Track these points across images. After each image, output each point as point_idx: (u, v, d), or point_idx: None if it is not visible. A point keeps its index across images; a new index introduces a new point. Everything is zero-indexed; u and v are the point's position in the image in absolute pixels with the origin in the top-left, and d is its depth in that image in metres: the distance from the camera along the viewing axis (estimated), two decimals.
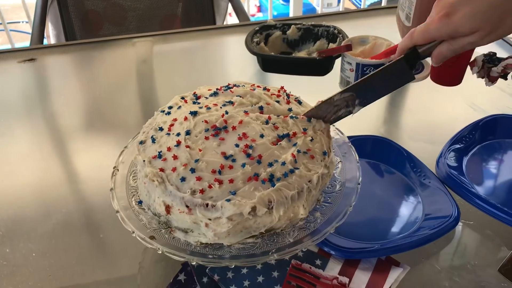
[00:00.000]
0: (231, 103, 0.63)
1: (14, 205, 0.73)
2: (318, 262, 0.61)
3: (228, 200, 0.53)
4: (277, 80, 0.97)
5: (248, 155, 0.55)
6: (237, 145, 0.56)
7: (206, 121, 0.59)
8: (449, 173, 0.69)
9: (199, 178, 0.54)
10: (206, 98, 0.65)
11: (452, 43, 0.57)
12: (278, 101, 0.64)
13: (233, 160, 0.55)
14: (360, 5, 2.93)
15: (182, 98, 0.66)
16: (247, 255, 0.55)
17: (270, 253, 0.55)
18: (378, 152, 0.76)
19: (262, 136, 0.57)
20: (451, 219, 0.62)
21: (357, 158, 0.65)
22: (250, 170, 0.54)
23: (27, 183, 0.77)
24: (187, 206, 0.55)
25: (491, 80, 0.81)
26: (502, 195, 0.70)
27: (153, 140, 0.60)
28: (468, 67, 0.84)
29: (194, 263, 0.59)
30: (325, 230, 0.56)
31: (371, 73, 0.60)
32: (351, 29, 0.99)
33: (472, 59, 0.80)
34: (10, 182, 0.78)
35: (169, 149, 0.58)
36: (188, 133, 0.58)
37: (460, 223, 0.65)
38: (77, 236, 0.68)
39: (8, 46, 1.97)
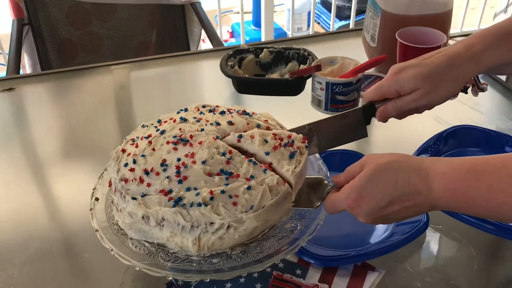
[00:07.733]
0: (218, 124, 0.64)
1: None
2: (298, 271, 0.64)
3: (134, 199, 0.57)
4: (252, 101, 1.01)
5: (178, 172, 0.57)
6: (178, 159, 0.59)
7: (180, 129, 0.63)
8: None
9: (132, 170, 0.59)
10: (202, 114, 0.67)
11: (397, 101, 0.66)
12: (266, 140, 0.61)
13: (164, 170, 0.58)
14: (329, 29, 3.02)
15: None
16: (229, 268, 0.56)
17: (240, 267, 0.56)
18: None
19: (203, 162, 0.58)
20: (421, 224, 0.66)
21: (328, 174, 0.67)
22: (167, 184, 0.57)
23: (6, 210, 0.78)
24: (115, 187, 0.60)
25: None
26: None
27: (142, 126, 0.67)
28: None
29: (173, 279, 0.61)
30: (297, 242, 0.58)
31: (332, 115, 0.67)
32: (321, 51, 1.04)
33: None
34: None
35: (141, 138, 0.63)
36: (162, 132, 0.63)
37: (429, 228, 0.69)
38: (58, 261, 0.69)
39: None
